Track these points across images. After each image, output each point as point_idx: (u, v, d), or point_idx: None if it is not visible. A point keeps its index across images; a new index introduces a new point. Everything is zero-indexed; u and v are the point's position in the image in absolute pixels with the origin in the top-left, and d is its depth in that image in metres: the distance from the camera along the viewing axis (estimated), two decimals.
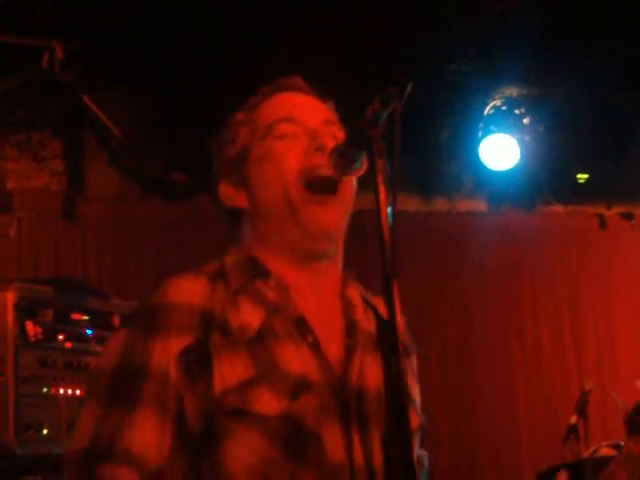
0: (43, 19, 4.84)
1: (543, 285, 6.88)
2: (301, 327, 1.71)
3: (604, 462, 4.78)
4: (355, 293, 1.86)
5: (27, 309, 3.50)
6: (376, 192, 1.54)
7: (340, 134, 1.82)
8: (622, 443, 4.92)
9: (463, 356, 6.60)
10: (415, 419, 1.79)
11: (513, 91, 6.09)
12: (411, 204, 6.63)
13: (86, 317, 3.80)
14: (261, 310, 1.72)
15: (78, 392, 3.60)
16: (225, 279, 1.76)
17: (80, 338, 3.72)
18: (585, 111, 6.11)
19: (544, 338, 6.79)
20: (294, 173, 1.76)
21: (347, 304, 1.82)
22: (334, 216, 1.78)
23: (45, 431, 3.44)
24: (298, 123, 1.81)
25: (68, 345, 3.67)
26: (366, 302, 1.86)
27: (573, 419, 5.22)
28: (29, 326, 3.49)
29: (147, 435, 1.61)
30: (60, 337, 3.65)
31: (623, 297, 6.96)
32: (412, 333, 1.97)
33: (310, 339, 1.70)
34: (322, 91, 1.91)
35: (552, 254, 6.94)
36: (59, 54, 4.94)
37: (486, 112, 6.15)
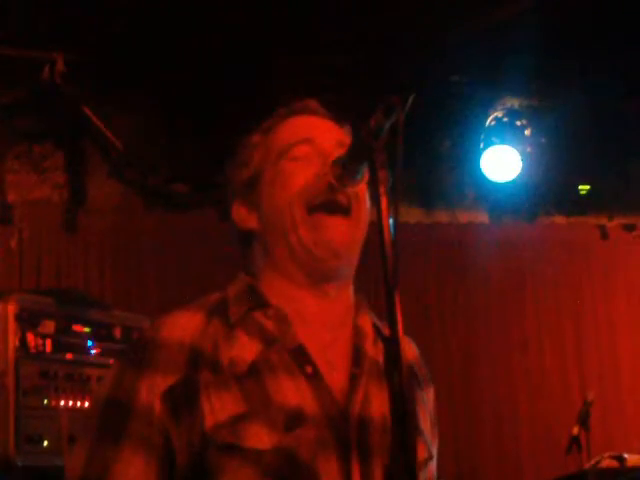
0: (44, 31, 4.85)
1: (545, 296, 6.87)
2: (299, 358, 1.69)
3: (606, 473, 4.77)
4: (367, 322, 1.83)
5: (28, 320, 3.50)
6: (378, 203, 1.53)
7: None
8: (624, 454, 4.91)
9: (466, 367, 6.59)
10: (422, 451, 1.77)
11: (515, 102, 6.09)
12: (412, 215, 6.62)
13: (87, 329, 3.79)
14: (257, 342, 1.70)
15: (79, 404, 3.59)
16: (225, 312, 1.74)
17: (81, 350, 3.71)
18: (587, 122, 6.11)
19: (546, 349, 6.78)
20: (297, 195, 1.74)
21: (357, 332, 1.79)
22: (341, 235, 1.75)
23: (46, 443, 3.43)
24: (313, 145, 1.80)
25: (69, 357, 3.66)
26: (377, 332, 1.83)
27: (575, 430, 5.21)
28: (30, 337, 3.48)
29: (132, 472, 1.61)
30: (61, 349, 3.64)
31: (625, 308, 6.95)
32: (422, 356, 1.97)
33: (309, 370, 1.68)
34: (338, 115, 1.89)
35: (554, 265, 6.93)
36: (60, 66, 4.95)
37: (488, 123, 6.15)
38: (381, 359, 1.79)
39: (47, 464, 3.38)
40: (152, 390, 1.64)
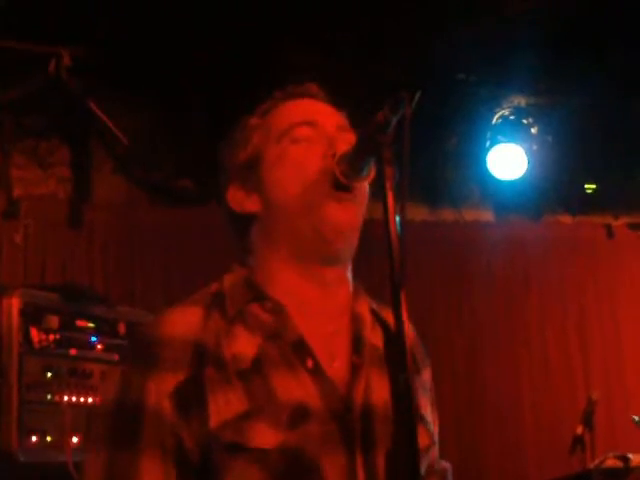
0: (50, 26, 4.84)
1: (550, 294, 6.86)
2: (300, 351, 1.68)
3: (610, 473, 4.76)
4: (364, 307, 1.82)
5: (32, 315, 3.49)
6: (384, 199, 1.52)
7: (354, 141, 1.78)
8: (629, 454, 4.90)
9: (470, 365, 6.58)
10: (424, 438, 1.76)
11: (521, 100, 6.08)
12: (418, 214, 6.61)
13: (91, 324, 3.78)
14: (257, 337, 1.68)
15: (82, 399, 3.58)
16: (222, 305, 1.73)
17: (85, 345, 3.70)
18: (593, 121, 6.10)
19: (551, 347, 6.77)
20: (316, 175, 1.72)
21: (355, 319, 1.78)
22: (351, 215, 1.74)
23: (49, 438, 3.43)
24: (316, 127, 1.79)
25: (73, 352, 3.65)
26: (375, 316, 1.83)
27: (579, 429, 5.19)
28: (34, 332, 3.48)
29: (155, 479, 1.60)
30: (65, 344, 3.63)
31: (630, 307, 6.93)
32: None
33: (310, 363, 1.67)
34: (337, 100, 1.89)
35: (559, 264, 6.92)
36: (66, 60, 4.94)
37: (494, 121, 6.15)
38: (380, 344, 1.79)
39: (50, 459, 3.38)
40: (160, 390, 1.62)
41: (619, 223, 7.11)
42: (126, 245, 5.99)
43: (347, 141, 1.76)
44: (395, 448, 1.66)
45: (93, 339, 3.74)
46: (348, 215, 1.73)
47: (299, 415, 1.61)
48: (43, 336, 3.51)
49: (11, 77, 5.14)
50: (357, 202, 1.75)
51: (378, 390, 1.71)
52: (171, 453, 1.61)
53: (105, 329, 3.79)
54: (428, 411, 1.87)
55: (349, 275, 1.83)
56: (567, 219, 7.08)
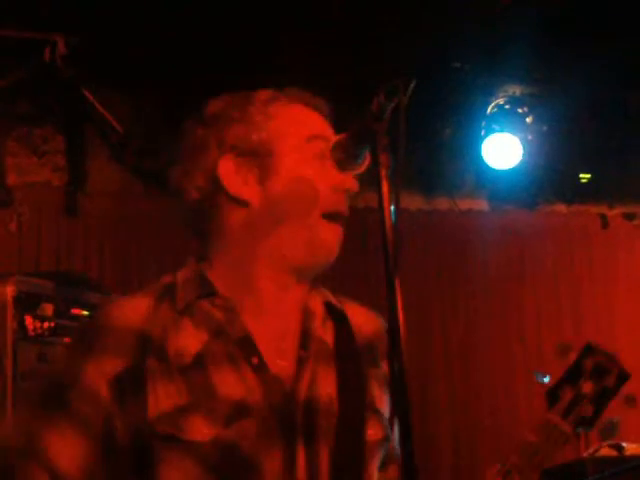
0: (45, 12, 4.82)
1: (545, 284, 6.86)
2: (245, 348, 1.69)
3: (604, 462, 4.78)
4: (317, 300, 1.83)
5: (27, 303, 3.50)
6: (379, 187, 1.52)
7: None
8: (623, 443, 4.91)
9: (464, 356, 6.58)
10: (379, 431, 1.77)
11: (516, 90, 6.07)
12: (413, 202, 6.61)
13: (86, 312, 3.79)
14: (203, 333, 1.70)
15: None
16: (173, 297, 1.74)
17: None
18: (588, 110, 6.10)
19: (545, 337, 6.77)
20: (318, 200, 1.74)
21: (306, 314, 1.79)
22: (338, 243, 1.78)
23: None
24: (327, 144, 1.76)
25: (67, 340, 3.66)
26: (329, 308, 1.83)
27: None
28: (28, 320, 3.48)
29: (62, 444, 1.63)
30: (60, 332, 3.63)
31: (625, 297, 6.94)
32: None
33: (255, 360, 1.68)
34: (319, 102, 1.86)
35: (554, 253, 6.92)
36: (61, 48, 4.92)
37: (489, 111, 6.13)
38: (330, 339, 1.80)
39: None
40: (98, 374, 1.65)
41: (614, 213, 7.11)
42: (121, 233, 5.98)
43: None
44: (340, 441, 1.67)
45: None
46: (338, 244, 1.77)
47: (237, 411, 1.63)
48: (38, 324, 3.52)
49: (5, 64, 5.13)
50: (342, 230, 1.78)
51: (323, 385, 1.72)
52: (94, 432, 1.64)
53: None
54: (384, 406, 1.84)
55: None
56: (562, 208, 7.07)
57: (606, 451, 4.94)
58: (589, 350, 1.85)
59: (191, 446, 1.59)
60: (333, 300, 1.85)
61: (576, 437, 1.81)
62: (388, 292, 1.49)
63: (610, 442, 4.98)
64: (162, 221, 5.97)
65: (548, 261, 6.90)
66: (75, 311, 3.75)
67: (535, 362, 6.70)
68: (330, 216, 1.75)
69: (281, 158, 1.76)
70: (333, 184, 1.75)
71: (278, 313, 1.76)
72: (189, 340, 1.68)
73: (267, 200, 1.75)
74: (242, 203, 1.76)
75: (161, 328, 1.69)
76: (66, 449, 1.63)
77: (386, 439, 1.78)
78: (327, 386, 1.72)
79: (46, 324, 3.55)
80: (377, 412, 1.79)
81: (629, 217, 7.10)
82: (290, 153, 1.76)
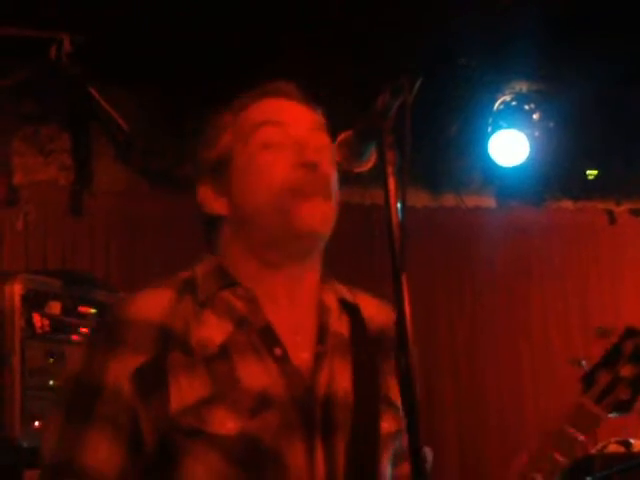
0: (51, 11, 4.83)
1: (552, 280, 6.86)
2: (268, 338, 1.69)
3: (612, 458, 4.77)
4: (331, 296, 1.83)
5: (34, 301, 3.50)
6: (385, 185, 1.52)
7: (327, 141, 1.79)
8: (631, 440, 4.91)
9: (471, 352, 6.58)
10: (393, 423, 1.77)
11: (523, 86, 6.06)
12: (419, 199, 6.61)
13: (93, 310, 3.80)
14: (227, 323, 1.70)
15: None
16: (194, 290, 1.74)
17: (87, 331, 3.71)
18: (595, 107, 6.09)
19: (552, 333, 6.76)
20: (284, 184, 1.72)
21: (322, 309, 1.79)
22: (321, 212, 1.74)
23: None
24: (284, 129, 1.77)
25: (75, 338, 3.67)
26: (343, 304, 1.84)
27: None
28: (36, 318, 3.49)
29: (100, 453, 1.62)
30: (67, 330, 3.64)
31: (632, 293, 6.93)
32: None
33: (277, 352, 1.68)
34: (311, 98, 1.86)
35: (561, 250, 6.92)
36: (67, 46, 4.93)
37: (496, 107, 6.13)
38: (346, 332, 1.80)
39: None
40: (121, 370, 1.64)
41: (621, 209, 7.11)
42: (127, 232, 5.99)
43: (319, 142, 1.78)
44: (356, 434, 1.68)
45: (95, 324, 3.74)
46: (318, 212, 1.74)
47: (261, 403, 1.63)
48: (45, 322, 3.53)
49: (11, 63, 5.13)
50: (325, 197, 1.75)
51: (340, 378, 1.72)
52: (124, 433, 1.63)
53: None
54: (398, 397, 1.86)
55: (318, 265, 1.84)
56: (569, 205, 7.07)
57: (614, 447, 4.94)
58: (630, 333, 1.83)
59: (216, 439, 1.59)
60: (346, 295, 1.86)
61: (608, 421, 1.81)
62: (395, 289, 1.49)
63: (617, 438, 4.97)
64: (167, 220, 5.98)
65: (555, 258, 6.90)
66: (82, 309, 3.75)
67: (542, 359, 6.70)
68: (300, 193, 1.72)
69: (235, 161, 1.79)
70: (292, 163, 1.74)
71: (290, 305, 1.76)
72: (213, 331, 1.68)
73: (234, 207, 1.78)
74: (219, 217, 1.82)
75: (183, 321, 1.68)
76: (104, 460, 1.62)
77: (399, 432, 1.79)
78: (343, 380, 1.72)
79: (54, 322, 3.56)
80: (391, 405, 1.79)
81: (636, 213, 7.10)
82: (239, 151, 1.78)
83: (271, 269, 1.76)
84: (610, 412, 1.78)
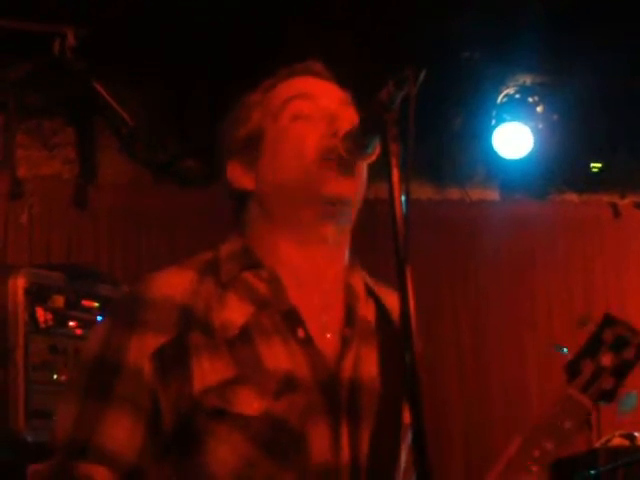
0: (54, 5, 4.83)
1: (556, 273, 6.84)
2: (291, 320, 1.68)
3: (617, 452, 4.77)
4: (358, 281, 1.82)
5: (38, 295, 3.50)
6: (389, 177, 1.52)
7: (356, 117, 1.77)
8: (635, 433, 4.90)
9: (475, 344, 6.57)
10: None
11: (527, 79, 6.05)
12: (423, 192, 6.60)
13: (97, 304, 3.79)
14: (249, 305, 1.68)
15: None
16: (216, 271, 1.72)
17: (91, 325, 3.71)
18: (599, 100, 6.08)
19: (556, 327, 6.75)
20: (315, 154, 1.70)
21: (350, 292, 1.78)
22: (351, 186, 1.72)
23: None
24: (314, 101, 1.77)
25: (79, 332, 3.67)
26: (368, 291, 1.83)
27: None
28: (39, 312, 3.49)
29: (118, 433, 1.61)
30: (71, 324, 3.64)
31: (636, 285, 6.92)
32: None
33: (301, 334, 1.67)
34: (341, 79, 1.86)
35: (565, 243, 6.91)
36: (70, 40, 4.93)
37: (499, 100, 6.12)
38: (372, 318, 1.79)
39: None
40: (142, 350, 1.63)
41: (625, 202, 7.09)
42: (131, 225, 5.99)
43: (349, 117, 1.76)
44: (380, 421, 1.66)
45: (99, 318, 3.75)
46: (348, 186, 1.72)
47: (286, 385, 1.61)
48: (49, 316, 3.52)
49: (15, 56, 5.13)
50: (357, 178, 1.74)
51: (367, 364, 1.71)
52: (143, 413, 1.62)
53: None
54: None
55: (345, 247, 1.82)
56: (573, 198, 7.06)
57: (618, 441, 4.94)
58: (608, 321, 1.82)
59: (240, 420, 1.58)
60: (369, 281, 1.85)
61: (596, 410, 1.80)
62: (399, 282, 1.49)
63: (622, 432, 4.97)
64: (172, 213, 5.98)
65: (559, 251, 6.89)
66: (86, 303, 3.75)
67: (547, 352, 6.69)
68: (332, 162, 1.70)
69: (265, 135, 1.78)
70: (322, 135, 1.72)
71: (317, 286, 1.74)
72: (234, 313, 1.66)
73: (263, 181, 1.77)
74: (247, 193, 1.80)
75: (204, 302, 1.67)
76: (122, 440, 1.61)
77: None
78: (370, 366, 1.71)
79: (57, 316, 3.56)
80: None
81: None
82: (270, 125, 1.78)
83: (297, 249, 1.74)
84: (595, 401, 1.77)
